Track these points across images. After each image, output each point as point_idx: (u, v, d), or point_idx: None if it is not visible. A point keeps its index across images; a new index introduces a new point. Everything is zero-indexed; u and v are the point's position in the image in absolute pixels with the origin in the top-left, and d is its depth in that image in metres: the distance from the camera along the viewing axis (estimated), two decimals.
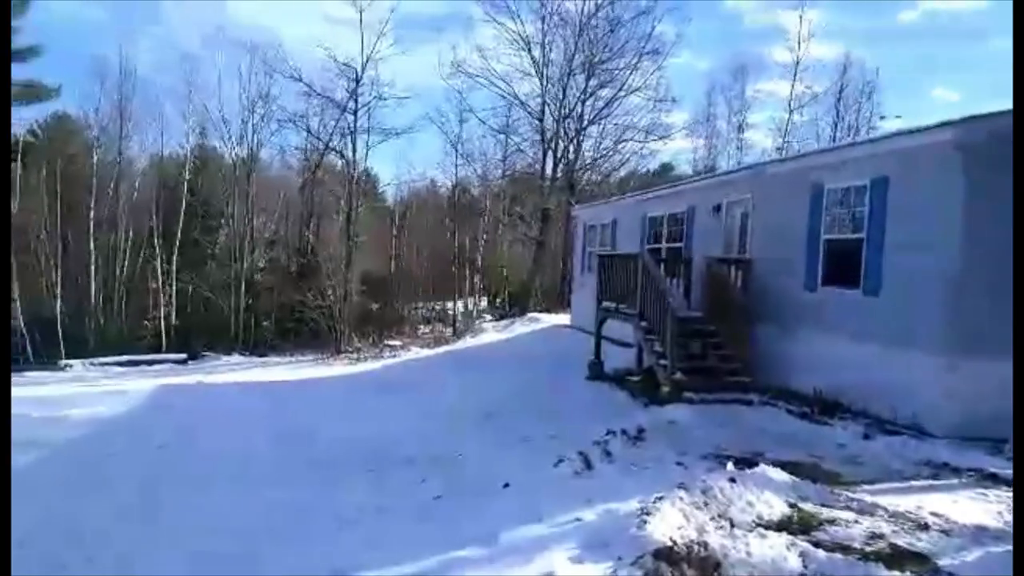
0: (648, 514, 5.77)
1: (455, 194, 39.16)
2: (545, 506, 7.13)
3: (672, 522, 5.61)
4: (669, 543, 5.17)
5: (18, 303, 29.33)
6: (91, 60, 59.31)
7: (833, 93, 36.49)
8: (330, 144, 33.56)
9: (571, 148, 33.37)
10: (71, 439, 13.13)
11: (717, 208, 13.95)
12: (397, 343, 28.16)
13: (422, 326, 34.89)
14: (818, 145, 31.71)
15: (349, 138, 32.50)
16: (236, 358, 27.85)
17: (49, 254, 31.25)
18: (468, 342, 25.19)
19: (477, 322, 33.90)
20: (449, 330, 32.68)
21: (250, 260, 33.75)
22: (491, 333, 25.97)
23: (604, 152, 34.02)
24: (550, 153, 33.48)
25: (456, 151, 35.87)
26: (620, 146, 33.61)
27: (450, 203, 40.50)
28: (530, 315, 27.33)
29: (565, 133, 33.02)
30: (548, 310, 28.82)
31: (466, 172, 37.93)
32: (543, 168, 33.87)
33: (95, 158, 33.65)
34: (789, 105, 37.04)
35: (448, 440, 11.11)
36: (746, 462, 7.37)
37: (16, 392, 18.46)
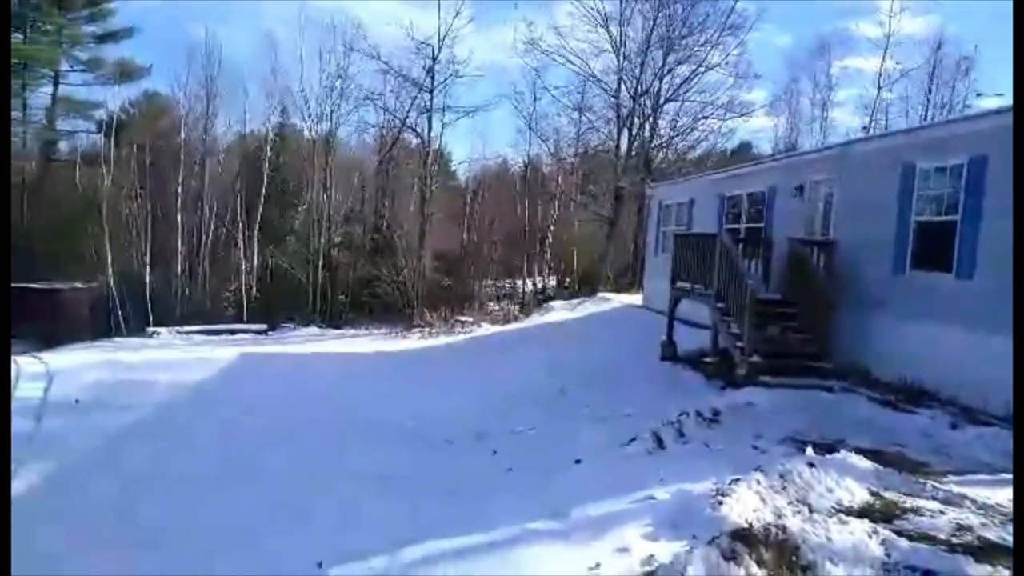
0: (724, 495, 5.72)
1: (527, 172, 39.11)
2: (617, 483, 7.15)
3: (748, 504, 5.54)
4: (746, 525, 5.12)
5: (110, 273, 30.86)
6: (181, 41, 61.82)
7: (926, 70, 34.73)
8: (406, 122, 33.94)
9: (647, 126, 32.80)
10: (160, 403, 13.80)
11: (800, 188, 13.53)
12: (468, 319, 28.41)
13: (491, 303, 35.09)
14: (908, 124, 30.30)
15: (425, 116, 32.80)
16: (313, 330, 28.66)
17: (139, 227, 32.70)
18: (537, 320, 25.23)
19: (546, 301, 33.94)
20: (518, 308, 32.79)
21: (327, 235, 34.56)
22: (561, 312, 25.93)
23: (681, 130, 33.33)
24: (625, 131, 33.00)
25: (529, 129, 35.80)
26: (698, 124, 32.87)
27: (522, 181, 40.49)
28: (600, 295, 27.16)
29: (641, 110, 32.46)
30: (618, 290, 28.60)
31: (539, 150, 37.85)
32: (617, 146, 33.43)
33: (183, 135, 34.97)
34: (878, 82, 35.46)
35: (522, 414, 11.22)
36: (825, 448, 7.20)
37: (109, 356, 19.55)
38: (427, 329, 26.33)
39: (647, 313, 18.68)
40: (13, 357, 19.19)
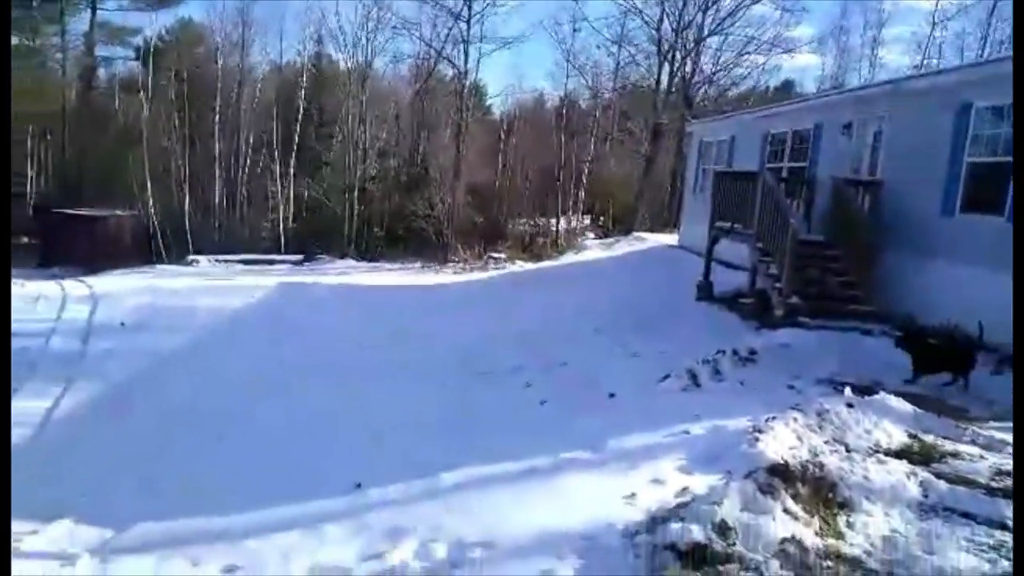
0: (760, 432, 5.74)
1: (563, 107, 38.40)
2: (651, 418, 7.22)
3: (785, 442, 5.56)
4: (782, 461, 5.14)
5: (150, 200, 31.28)
6: None
7: (985, 4, 33.04)
8: (442, 53, 33.38)
9: (688, 60, 31.90)
10: (202, 327, 14.14)
11: (847, 126, 13.12)
12: (501, 256, 28.44)
13: (525, 240, 35.02)
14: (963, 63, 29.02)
15: (461, 47, 32.21)
16: (348, 262, 28.91)
17: (177, 155, 32.94)
18: (572, 258, 25.20)
19: (580, 239, 33.74)
20: (551, 246, 32.69)
21: (362, 168, 34.49)
22: (595, 251, 25.85)
23: (724, 65, 32.35)
24: (666, 65, 32.16)
25: (567, 62, 35.00)
26: (741, 60, 31.86)
27: (558, 117, 39.81)
28: (635, 234, 26.96)
29: (683, 44, 31.53)
30: (653, 229, 28.33)
31: (576, 85, 37.06)
32: (658, 81, 32.63)
33: (219, 63, 34.79)
34: (932, 18, 33.90)
35: (555, 350, 11.31)
36: (864, 390, 7.16)
37: (151, 282, 19.99)
38: (460, 264, 26.46)
39: (683, 253, 18.50)
40: (59, 281, 19.73)
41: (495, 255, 27.82)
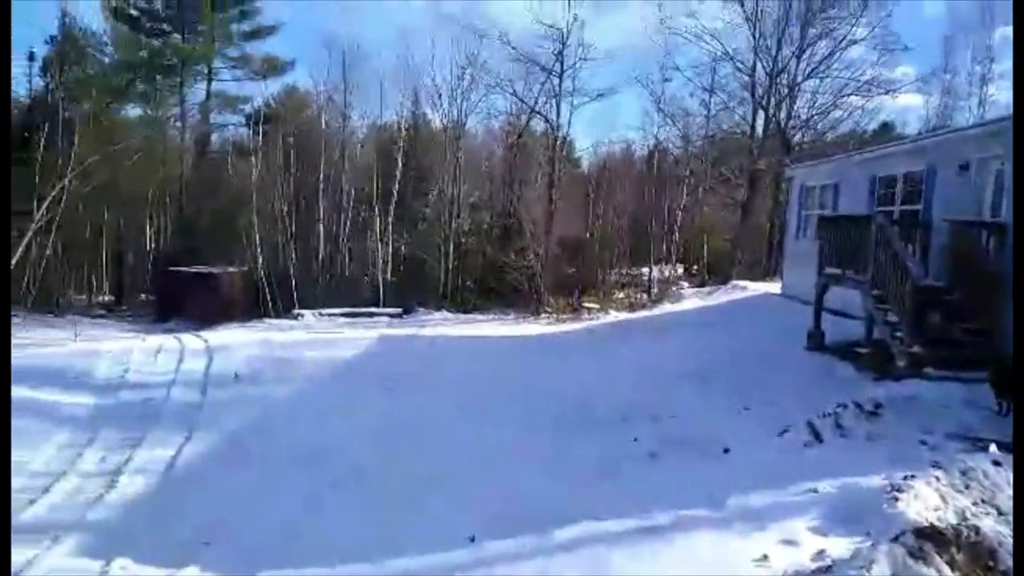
0: (899, 491, 5.40)
1: (654, 156, 38.33)
2: (773, 474, 6.90)
3: (928, 502, 5.20)
4: (926, 524, 4.79)
5: (259, 257, 32.82)
6: (320, 36, 64.66)
7: None
8: (535, 108, 34.05)
9: (784, 105, 31.38)
10: (309, 378, 14.54)
11: (964, 166, 12.49)
12: (594, 306, 28.28)
13: (617, 291, 34.76)
14: None
15: (553, 100, 32.77)
16: (444, 314, 29.36)
17: (284, 214, 34.57)
18: (668, 308, 24.79)
19: (675, 288, 33.22)
20: (645, 296, 32.31)
21: (457, 222, 35.27)
22: (693, 300, 25.37)
23: (821, 109, 31.63)
24: (760, 111, 31.72)
25: (658, 111, 35.02)
26: (839, 102, 31.07)
27: (648, 166, 39.74)
28: (734, 282, 26.30)
29: (777, 89, 31.08)
30: (751, 278, 27.58)
31: (667, 133, 36.97)
32: (752, 127, 32.19)
33: (322, 126, 36.57)
34: None
35: (660, 402, 11.03)
36: (1007, 447, 6.63)
37: (261, 336, 20.82)
38: (554, 315, 26.42)
39: (787, 301, 17.90)
40: (177, 335, 20.85)
41: (589, 305, 27.69)
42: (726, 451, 8.38)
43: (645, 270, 36.60)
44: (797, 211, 20.16)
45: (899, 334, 10.19)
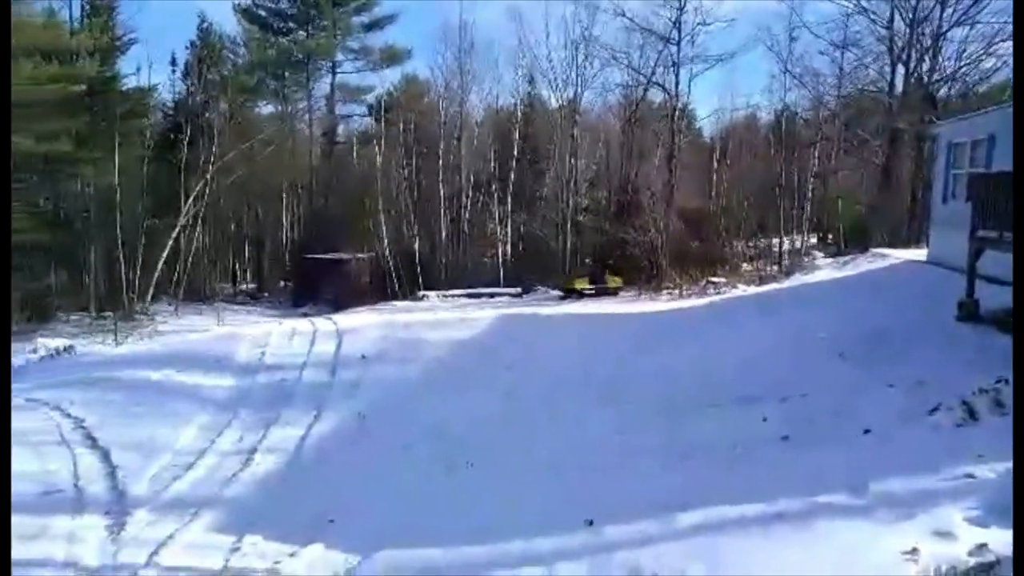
0: None
1: (782, 121, 36.28)
2: (920, 457, 6.27)
3: None
4: None
5: (385, 242, 33.86)
6: (437, 23, 65.71)
7: None
8: (652, 78, 33.06)
9: (927, 57, 28.75)
10: (432, 358, 14.75)
11: None
12: (720, 280, 27.22)
13: (745, 264, 33.35)
14: None
15: (671, 69, 31.68)
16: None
17: (407, 199, 35.47)
18: (800, 280, 23.46)
19: (808, 259, 31.46)
20: (775, 268, 30.80)
21: (574, 200, 34.96)
22: (827, 271, 23.86)
23: (970, 59, 28.74)
24: (900, 65, 29.25)
25: (785, 72, 33.09)
26: (993, 49, 28.10)
27: (776, 131, 37.70)
28: (874, 251, 24.50)
29: (919, 40, 28.52)
30: (892, 245, 25.62)
31: (795, 96, 34.89)
32: (891, 84, 29.72)
33: (441, 112, 37.14)
34: None
35: (793, 379, 10.36)
36: None
37: (387, 318, 21.40)
38: (676, 291, 25.65)
39: (934, 269, 16.42)
40: (311, 319, 21.79)
41: (714, 280, 26.66)
42: (867, 432, 7.72)
43: (776, 241, 34.95)
44: (945, 171, 18.43)
45: None
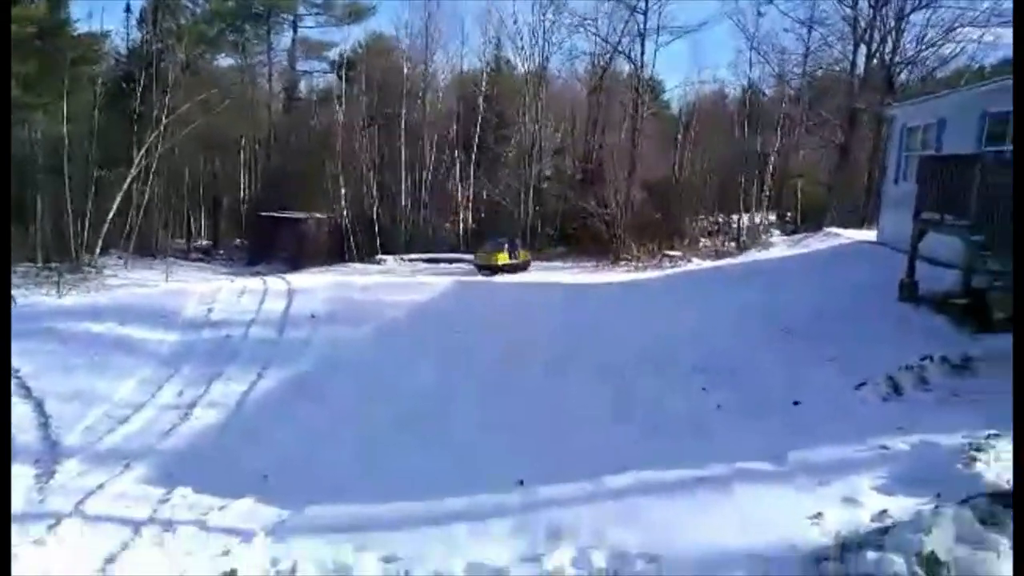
0: (979, 451, 4.91)
1: (747, 97, 36.52)
2: (844, 429, 6.49)
3: (1010, 463, 4.70)
4: (1008, 487, 4.33)
5: (344, 203, 33.47)
6: None
7: None
8: (618, 47, 32.95)
9: (889, 40, 29.10)
10: (381, 320, 14.68)
11: None
12: (676, 254, 27.55)
13: (703, 239, 33.76)
14: None
15: (637, 40, 31.61)
16: None
17: (367, 161, 35.00)
18: (755, 256, 23.84)
19: (764, 236, 31.93)
20: (733, 244, 31.23)
21: (538, 167, 34.89)
22: (781, 248, 24.26)
23: (930, 43, 29.17)
24: (862, 47, 29.58)
25: (751, 48, 33.27)
26: (952, 35, 28.55)
27: (740, 107, 37.96)
28: (827, 230, 24.94)
29: (883, 22, 28.83)
30: (848, 225, 26.12)
31: (760, 73, 35.15)
32: (853, 64, 30.09)
33: (405, 73, 36.56)
34: None
35: (736, 353, 10.57)
36: None
37: (341, 279, 21.24)
38: (633, 263, 25.92)
39: (882, 250, 16.79)
40: (263, 277, 21.50)
41: (671, 253, 27.00)
42: (796, 404, 7.94)
43: (735, 217, 35.36)
44: (897, 153, 18.77)
45: (999, 283, 9.34)
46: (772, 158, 34.34)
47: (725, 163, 36.52)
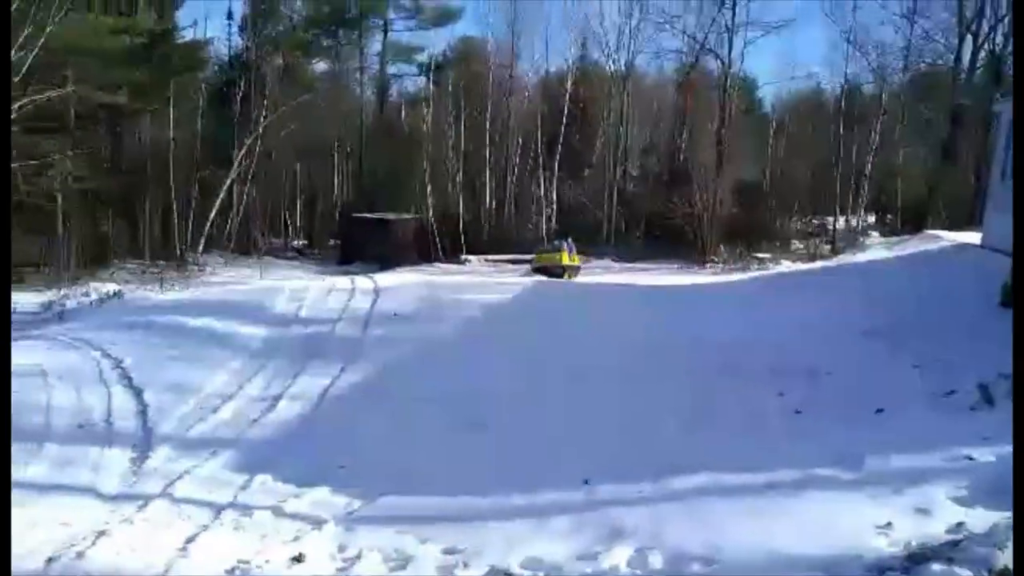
0: None
1: (843, 95, 35.11)
2: (926, 438, 6.20)
3: None
4: None
5: (430, 204, 34.14)
6: None
7: None
8: (705, 44, 32.31)
9: (999, 28, 27.42)
10: (462, 318, 14.90)
11: None
12: (765, 256, 26.82)
13: (795, 241, 32.74)
14: None
15: (725, 36, 30.92)
16: (605, 262, 29.15)
17: (453, 162, 35.60)
18: (849, 259, 22.98)
19: (862, 238, 30.73)
20: (827, 246, 30.16)
21: (623, 167, 34.63)
22: (877, 251, 23.33)
23: None
24: (968, 39, 27.97)
25: (847, 43, 31.99)
26: None
27: (836, 105, 36.54)
28: (928, 232, 23.77)
29: (992, 12, 27.21)
30: (952, 227, 24.78)
31: (858, 68, 33.72)
32: (957, 58, 28.54)
33: (490, 74, 36.96)
34: None
35: (819, 357, 10.22)
36: None
37: (426, 278, 21.69)
38: (720, 264, 25.40)
39: (986, 253, 15.86)
40: (352, 276, 22.19)
41: (759, 255, 26.32)
42: (879, 411, 7.62)
43: (830, 219, 34.20)
44: (1004, 152, 17.69)
45: None
46: (870, 158, 32.91)
47: (821, 163, 35.29)
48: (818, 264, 22.90)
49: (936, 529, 4.16)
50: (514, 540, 5.23)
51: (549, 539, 5.15)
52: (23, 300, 19.21)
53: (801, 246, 31.01)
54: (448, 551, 5.13)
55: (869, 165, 33.04)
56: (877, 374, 9.17)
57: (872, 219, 36.87)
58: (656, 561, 4.42)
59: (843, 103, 34.74)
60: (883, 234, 31.69)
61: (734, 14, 30.37)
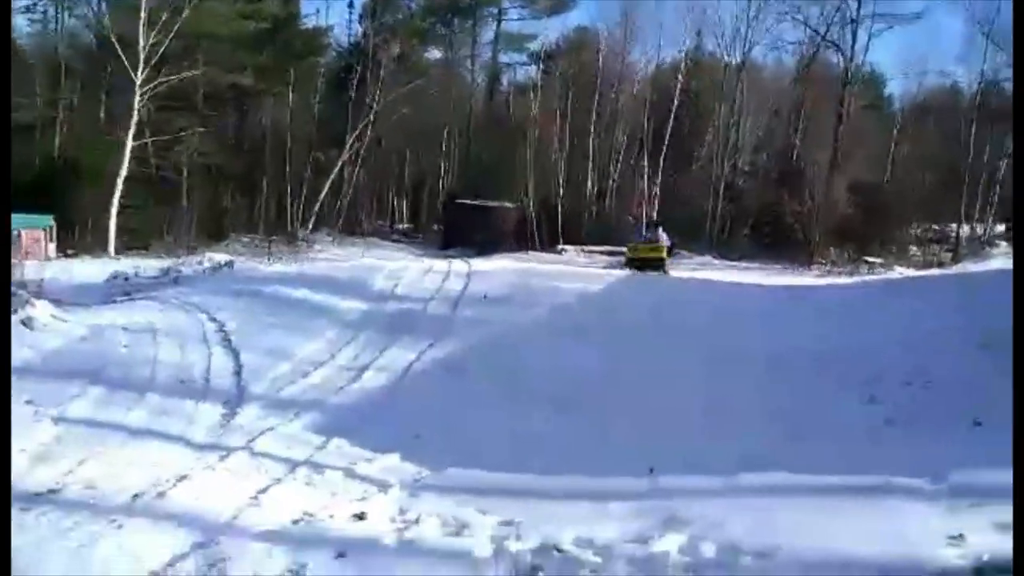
0: None
1: (978, 92, 32.74)
2: None
3: None
4: None
5: (531, 193, 34.26)
6: None
7: None
8: (826, 36, 30.86)
9: None
10: (551, 305, 14.91)
11: None
12: (877, 260, 25.49)
13: (913, 247, 30.91)
14: None
15: (849, 28, 29.44)
16: (705, 258, 28.45)
17: (556, 152, 35.57)
18: (969, 268, 21.59)
19: (987, 248, 28.73)
20: (948, 254, 28.35)
21: (732, 162, 33.64)
22: (1002, 260, 21.75)
23: None
24: None
25: (984, 36, 29.79)
26: None
27: (971, 104, 34.12)
28: None
29: None
30: None
31: (997, 64, 31.35)
32: None
33: (599, 64, 36.66)
34: None
35: (918, 366, 9.72)
36: None
37: (520, 265, 21.85)
38: (828, 267, 24.32)
39: None
40: (450, 260, 22.64)
41: (870, 259, 25.02)
42: (977, 424, 7.15)
43: (954, 226, 32.15)
44: None
45: None
46: (1004, 162, 30.64)
47: (947, 165, 33.12)
48: (933, 271, 21.57)
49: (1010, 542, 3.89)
50: (570, 519, 5.24)
51: (605, 521, 5.14)
52: (145, 264, 20.72)
53: (918, 252, 29.27)
54: (504, 523, 5.20)
55: (1002, 170, 30.76)
56: (979, 386, 8.61)
57: (1002, 228, 34.35)
58: (708, 550, 4.34)
59: (978, 101, 32.42)
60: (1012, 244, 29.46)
61: (859, 5, 28.89)
